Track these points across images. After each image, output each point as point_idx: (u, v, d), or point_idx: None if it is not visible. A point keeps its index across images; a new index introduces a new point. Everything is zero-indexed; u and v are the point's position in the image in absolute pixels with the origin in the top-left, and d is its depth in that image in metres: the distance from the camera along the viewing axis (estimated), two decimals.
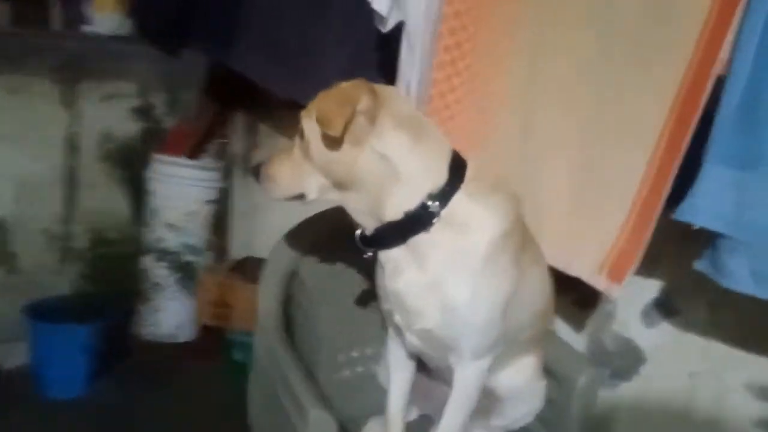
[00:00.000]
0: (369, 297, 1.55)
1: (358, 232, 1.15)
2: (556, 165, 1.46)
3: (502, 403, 1.31)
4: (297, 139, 1.13)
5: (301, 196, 1.14)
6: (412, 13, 1.47)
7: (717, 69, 1.22)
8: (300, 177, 1.12)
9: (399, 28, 1.51)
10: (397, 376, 1.30)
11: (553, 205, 1.48)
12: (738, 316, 1.50)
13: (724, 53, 1.21)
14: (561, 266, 1.46)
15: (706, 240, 1.28)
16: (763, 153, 1.19)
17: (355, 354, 1.58)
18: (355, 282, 1.56)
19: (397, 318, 1.15)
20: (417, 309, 1.11)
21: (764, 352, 1.50)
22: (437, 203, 1.06)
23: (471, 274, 1.08)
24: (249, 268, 2.34)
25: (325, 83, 1.10)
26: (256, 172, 1.17)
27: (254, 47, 1.88)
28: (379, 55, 1.67)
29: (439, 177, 1.08)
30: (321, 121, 1.02)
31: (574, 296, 1.72)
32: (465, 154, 1.14)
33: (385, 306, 1.20)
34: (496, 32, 1.47)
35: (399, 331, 1.21)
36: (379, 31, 1.54)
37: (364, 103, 1.02)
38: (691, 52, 1.24)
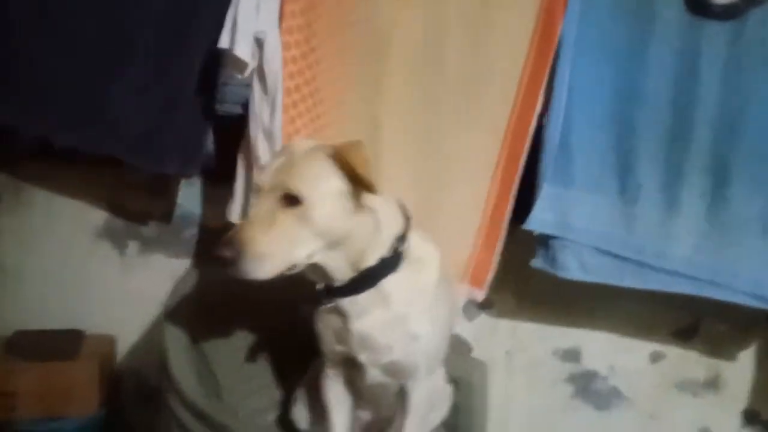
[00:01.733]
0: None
1: (320, 285, 1.14)
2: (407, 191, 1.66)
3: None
4: (279, 206, 1.03)
5: (290, 269, 1.06)
6: (270, 57, 1.50)
7: (535, 117, 1.58)
8: (293, 246, 1.03)
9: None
10: (340, 411, 1.33)
11: None
12: (537, 299, 1.92)
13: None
14: None
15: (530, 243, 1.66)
16: (575, 175, 1.60)
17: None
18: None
19: (363, 357, 1.19)
20: (385, 344, 1.17)
21: (561, 325, 1.96)
22: (403, 245, 1.15)
23: (428, 306, 1.19)
24: (26, 345, 1.98)
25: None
26: (228, 254, 1.00)
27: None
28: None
29: (399, 220, 1.16)
30: (365, 183, 1.02)
31: None
32: None
33: (337, 348, 1.22)
34: (336, 66, 1.58)
35: (355, 369, 1.25)
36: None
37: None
38: (511, 106, 1.58)
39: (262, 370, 1.60)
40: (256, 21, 1.44)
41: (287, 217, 1.03)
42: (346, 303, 1.14)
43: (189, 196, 1.90)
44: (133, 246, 1.93)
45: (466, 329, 1.99)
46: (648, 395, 2.03)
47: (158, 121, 1.60)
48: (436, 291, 1.20)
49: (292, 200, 1.03)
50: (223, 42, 1.45)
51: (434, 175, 1.63)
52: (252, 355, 1.57)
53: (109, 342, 1.96)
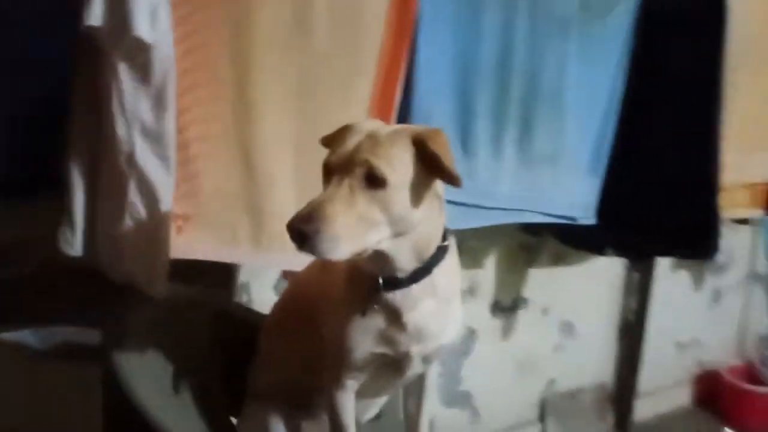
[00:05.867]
0: None
1: (381, 279, 1.09)
2: (278, 178, 1.56)
3: None
4: (359, 186, 0.97)
5: (359, 253, 0.99)
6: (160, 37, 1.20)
7: (398, 89, 1.64)
8: (369, 229, 0.98)
9: None
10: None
11: (285, 216, 1.59)
12: None
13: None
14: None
15: None
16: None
17: None
18: None
19: (415, 349, 1.17)
20: (437, 330, 1.17)
21: None
22: (449, 232, 1.15)
23: (459, 287, 1.22)
24: None
25: None
26: (308, 229, 0.93)
27: None
28: None
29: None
30: (449, 174, 1.00)
31: None
32: None
33: (376, 351, 1.17)
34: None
35: (391, 367, 1.21)
36: None
37: None
38: (373, 80, 1.61)
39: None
40: None
41: (367, 199, 0.98)
42: (398, 296, 1.11)
43: None
44: None
45: None
46: None
47: None
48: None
49: (375, 182, 0.98)
50: (94, 17, 1.08)
51: (312, 143, 1.57)
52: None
53: None
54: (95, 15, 1.11)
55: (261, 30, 1.44)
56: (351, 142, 1.02)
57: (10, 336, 1.51)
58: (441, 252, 1.13)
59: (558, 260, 2.61)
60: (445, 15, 1.68)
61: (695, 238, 2.05)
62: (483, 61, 1.75)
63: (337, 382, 1.22)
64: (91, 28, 1.13)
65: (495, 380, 2.62)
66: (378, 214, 0.99)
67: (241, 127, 1.48)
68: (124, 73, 1.20)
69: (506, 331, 2.60)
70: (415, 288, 1.11)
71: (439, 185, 1.09)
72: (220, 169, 1.48)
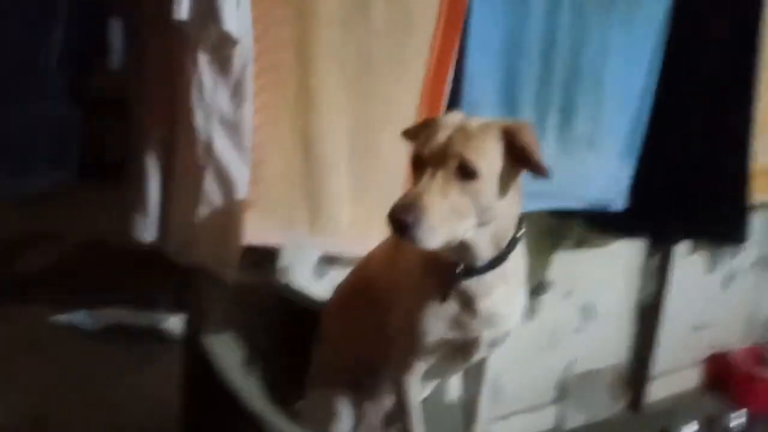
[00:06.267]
0: None
1: (460, 267, 1.12)
2: (335, 162, 1.57)
3: None
4: (452, 177, 1.01)
5: (450, 242, 1.04)
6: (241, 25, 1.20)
7: (451, 69, 1.65)
8: (460, 220, 1.03)
9: None
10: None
11: (340, 200, 1.61)
12: None
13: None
14: (363, 251, 1.64)
15: None
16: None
17: None
18: None
19: (486, 334, 1.20)
20: (506, 316, 1.20)
21: None
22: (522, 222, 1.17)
23: (525, 274, 1.24)
24: None
25: None
26: (409, 218, 0.98)
27: None
28: None
29: None
30: (538, 167, 1.04)
31: None
32: None
33: (448, 336, 1.19)
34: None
35: (460, 351, 1.23)
36: None
37: None
38: (427, 57, 1.62)
39: None
40: None
41: (459, 191, 1.02)
42: (473, 284, 1.14)
43: None
44: None
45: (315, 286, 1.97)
46: None
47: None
48: None
49: (467, 174, 1.02)
50: (182, 11, 1.08)
51: (369, 127, 1.60)
52: None
53: None
54: (183, 9, 1.10)
55: (321, 14, 1.44)
56: (442, 135, 1.05)
57: (66, 318, 1.53)
58: (515, 241, 1.16)
59: (581, 244, 2.64)
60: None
61: (725, 225, 2.08)
62: (529, 45, 1.76)
63: (406, 365, 1.24)
64: (179, 21, 1.12)
65: (517, 362, 2.66)
66: (468, 205, 1.03)
67: (303, 112, 1.48)
68: (204, 64, 1.21)
69: (530, 314, 2.63)
70: (490, 275, 1.14)
71: (520, 176, 1.12)
72: (281, 155, 1.49)
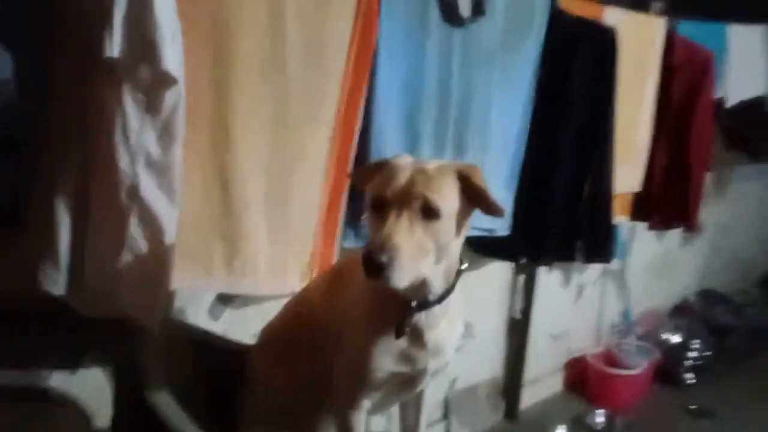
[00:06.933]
0: None
1: (414, 302, 1.16)
2: (251, 203, 1.56)
3: None
4: (415, 219, 1.06)
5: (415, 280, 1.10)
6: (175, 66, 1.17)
7: (360, 112, 1.71)
8: (425, 258, 1.08)
9: None
10: None
11: (257, 241, 1.59)
12: None
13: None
14: (277, 292, 1.64)
15: None
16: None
17: None
18: None
19: (432, 365, 1.24)
20: (450, 345, 1.27)
21: None
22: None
23: (461, 306, 1.31)
24: None
25: None
26: (384, 259, 1.01)
27: None
28: None
29: None
30: (491, 205, 1.12)
31: None
32: None
33: (396, 369, 1.21)
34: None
35: (406, 384, 1.26)
36: None
37: None
38: (337, 101, 1.67)
39: None
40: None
41: (423, 230, 1.08)
42: (422, 317, 1.20)
43: None
44: None
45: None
46: None
47: None
48: None
49: (430, 213, 1.08)
50: (114, 49, 1.04)
51: (284, 168, 1.61)
52: None
53: None
54: (115, 46, 1.04)
55: (240, 58, 1.45)
56: (402, 177, 1.10)
57: None
58: (459, 273, 1.23)
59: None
60: (398, 47, 1.79)
61: (595, 244, 2.33)
62: (426, 89, 1.88)
63: (352, 402, 1.26)
64: (108, 59, 1.06)
65: None
66: (431, 243, 1.09)
67: (219, 153, 1.46)
68: (129, 104, 1.14)
69: None
70: (437, 307, 1.20)
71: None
72: (197, 196, 1.45)
